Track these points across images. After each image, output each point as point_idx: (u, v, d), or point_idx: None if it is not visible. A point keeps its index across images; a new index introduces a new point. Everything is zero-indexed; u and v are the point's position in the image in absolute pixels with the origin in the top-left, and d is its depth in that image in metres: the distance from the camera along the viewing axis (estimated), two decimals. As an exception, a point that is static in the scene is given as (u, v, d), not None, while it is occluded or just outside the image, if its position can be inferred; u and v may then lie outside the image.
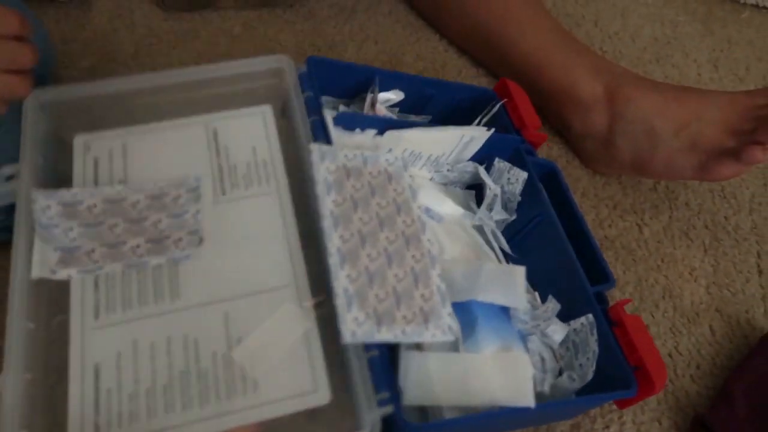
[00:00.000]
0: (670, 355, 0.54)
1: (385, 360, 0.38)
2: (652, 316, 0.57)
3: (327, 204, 0.41)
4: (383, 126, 0.48)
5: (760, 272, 0.61)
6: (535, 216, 0.52)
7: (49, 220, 0.40)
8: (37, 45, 0.40)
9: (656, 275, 0.59)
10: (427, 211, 0.50)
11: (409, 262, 0.41)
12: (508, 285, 0.43)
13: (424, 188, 0.52)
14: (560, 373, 0.46)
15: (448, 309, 0.40)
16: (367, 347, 0.37)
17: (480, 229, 0.53)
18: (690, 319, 0.57)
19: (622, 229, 0.62)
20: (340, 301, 0.37)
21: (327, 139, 0.45)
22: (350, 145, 0.47)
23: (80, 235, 0.40)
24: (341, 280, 0.38)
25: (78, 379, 0.36)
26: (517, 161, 0.53)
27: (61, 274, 0.39)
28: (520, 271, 0.44)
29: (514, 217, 0.53)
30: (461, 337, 0.42)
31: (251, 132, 0.47)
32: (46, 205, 0.40)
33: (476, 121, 0.55)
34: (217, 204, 0.43)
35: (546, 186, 0.52)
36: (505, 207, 0.53)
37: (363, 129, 0.48)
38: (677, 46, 0.81)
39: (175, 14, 0.69)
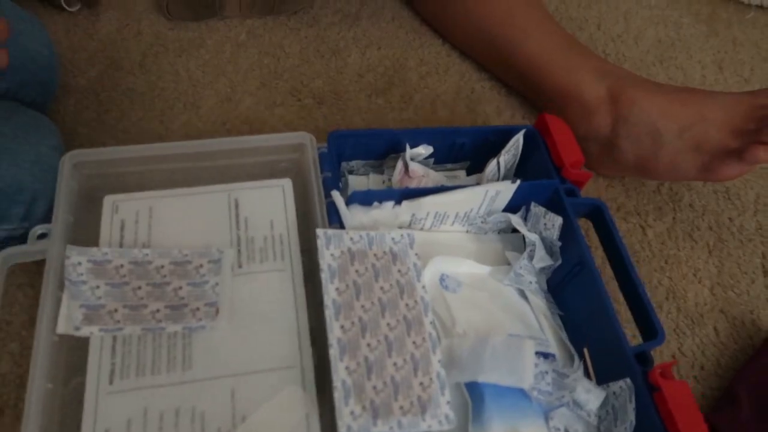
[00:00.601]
0: (673, 356, 0.55)
1: None
2: (656, 317, 0.57)
3: (330, 292, 0.42)
4: (399, 196, 0.48)
5: (765, 273, 0.61)
6: (576, 264, 0.49)
7: (79, 276, 0.41)
8: (11, 22, 0.39)
9: (660, 276, 0.59)
10: (443, 279, 0.49)
11: (409, 349, 0.41)
12: (514, 362, 0.42)
13: (440, 254, 0.50)
14: None
15: (447, 397, 0.40)
16: None
17: (516, 283, 0.51)
18: (694, 320, 0.57)
19: (625, 230, 0.62)
20: (337, 394, 0.38)
21: (340, 222, 0.46)
22: (368, 221, 0.47)
23: (105, 294, 0.41)
24: (340, 373, 0.39)
25: None
26: (556, 204, 0.51)
27: (84, 332, 0.40)
28: (529, 345, 0.43)
29: (559, 261, 0.51)
30: (470, 417, 0.41)
31: (270, 205, 0.48)
32: (77, 261, 0.42)
33: (497, 158, 0.54)
34: (234, 277, 0.44)
35: (595, 224, 0.51)
36: (550, 252, 0.51)
37: (381, 202, 0.48)
38: (681, 48, 0.81)
39: (181, 23, 0.70)
